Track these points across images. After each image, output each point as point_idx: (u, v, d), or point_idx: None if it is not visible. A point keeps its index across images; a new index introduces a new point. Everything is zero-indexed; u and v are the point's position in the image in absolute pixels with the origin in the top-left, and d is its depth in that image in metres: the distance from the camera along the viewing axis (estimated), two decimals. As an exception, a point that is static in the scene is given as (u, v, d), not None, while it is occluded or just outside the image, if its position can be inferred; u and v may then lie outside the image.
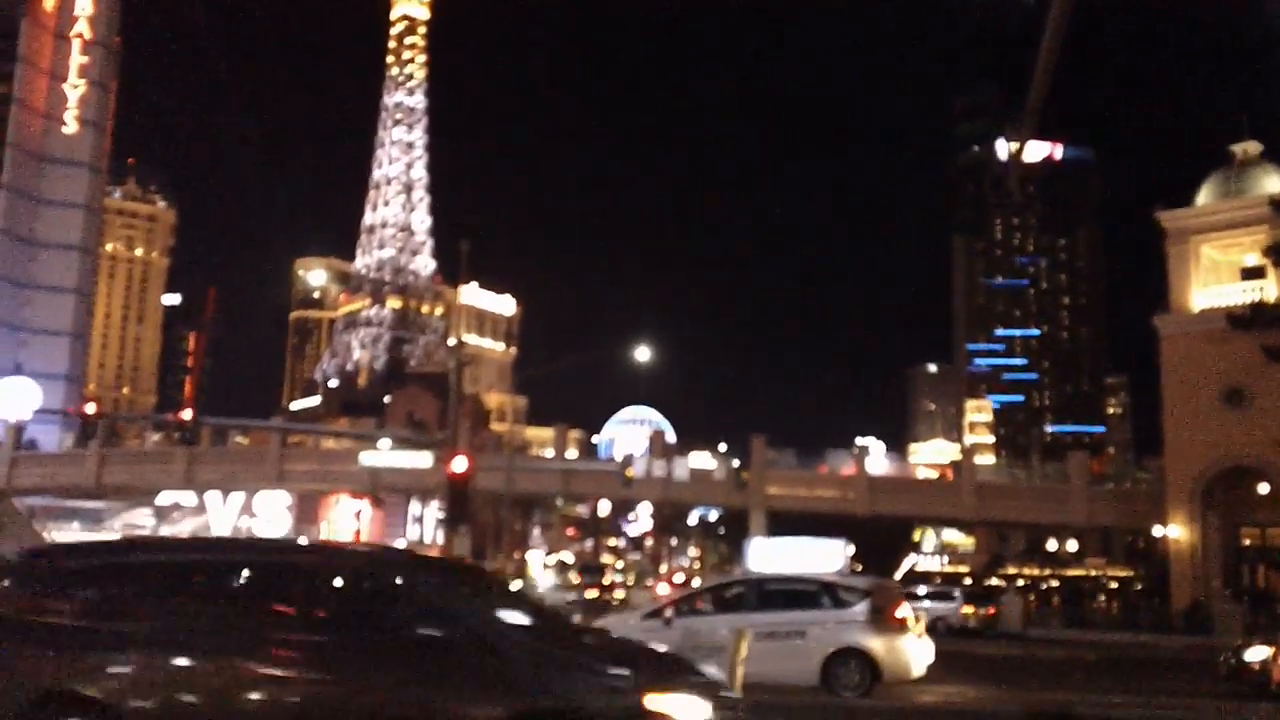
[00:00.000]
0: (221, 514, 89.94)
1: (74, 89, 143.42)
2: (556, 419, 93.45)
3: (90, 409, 60.01)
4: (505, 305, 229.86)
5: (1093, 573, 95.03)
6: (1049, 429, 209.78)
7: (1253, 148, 57.83)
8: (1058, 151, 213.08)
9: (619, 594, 72.70)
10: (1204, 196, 58.19)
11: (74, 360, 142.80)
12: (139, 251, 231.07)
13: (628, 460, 58.69)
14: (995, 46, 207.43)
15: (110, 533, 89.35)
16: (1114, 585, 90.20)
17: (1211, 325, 51.17)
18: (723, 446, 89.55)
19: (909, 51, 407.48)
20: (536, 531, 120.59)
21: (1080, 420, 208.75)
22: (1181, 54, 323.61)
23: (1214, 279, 56.44)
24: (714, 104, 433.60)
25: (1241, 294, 53.19)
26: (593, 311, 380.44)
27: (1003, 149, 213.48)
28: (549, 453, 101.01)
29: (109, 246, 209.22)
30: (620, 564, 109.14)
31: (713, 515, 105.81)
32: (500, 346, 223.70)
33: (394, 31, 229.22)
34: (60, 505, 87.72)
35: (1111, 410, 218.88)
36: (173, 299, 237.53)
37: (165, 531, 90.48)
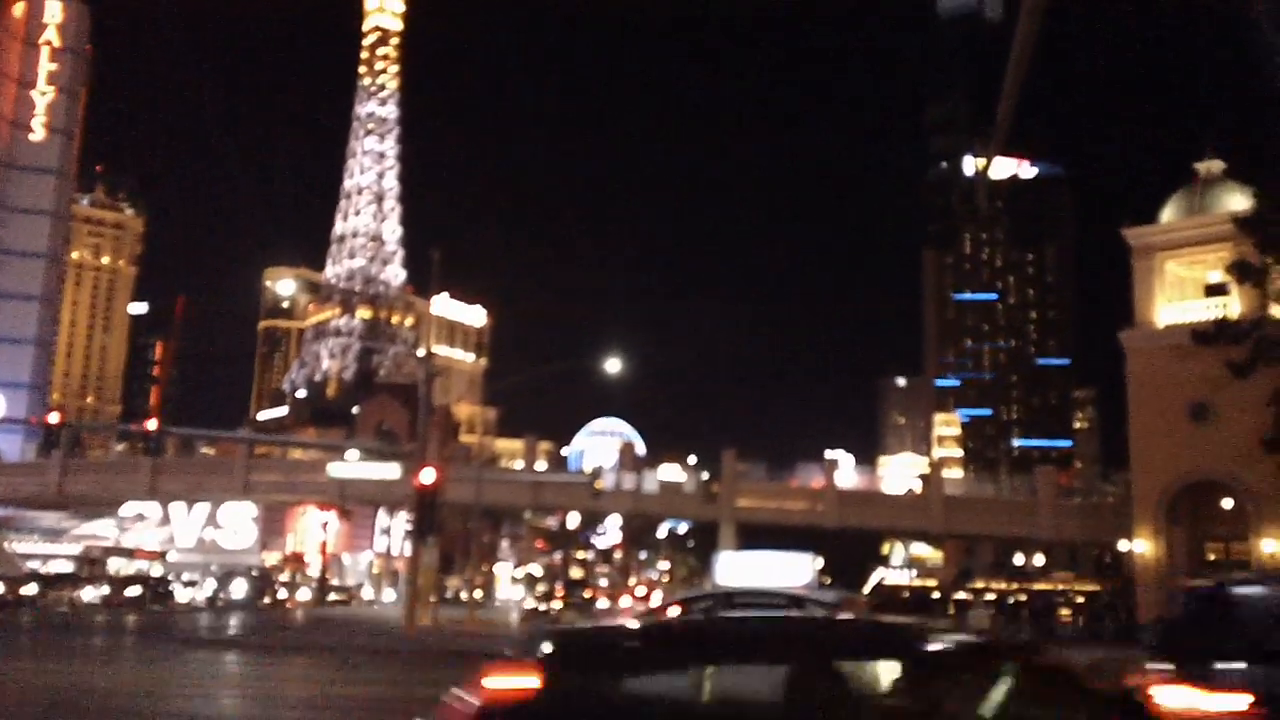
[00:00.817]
0: (186, 525, 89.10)
1: (42, 96, 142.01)
2: (526, 430, 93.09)
3: (54, 418, 59.38)
4: (476, 316, 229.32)
5: (1060, 586, 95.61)
6: (1017, 443, 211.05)
7: (1216, 166, 58.47)
8: (1025, 168, 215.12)
9: (602, 603, 72.65)
10: (1169, 214, 58.81)
11: (38, 369, 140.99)
12: (106, 260, 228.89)
13: (597, 472, 58.71)
14: (969, 63, 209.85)
15: (71, 544, 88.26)
16: (1080, 599, 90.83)
17: (1177, 341, 51.68)
18: (693, 459, 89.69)
19: (882, 67, 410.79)
20: (505, 543, 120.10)
21: (1048, 434, 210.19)
22: (1151, 72, 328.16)
23: (1179, 295, 57.06)
24: (687, 119, 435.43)
25: (1206, 310, 53.77)
26: (564, 323, 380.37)
27: (970, 164, 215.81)
28: (519, 464, 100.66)
29: (76, 254, 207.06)
30: (604, 579, 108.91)
31: (682, 528, 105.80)
32: (471, 357, 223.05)
33: (366, 42, 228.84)
34: (20, 516, 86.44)
35: (1079, 424, 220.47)
36: (140, 308, 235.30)
37: (126, 543, 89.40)
